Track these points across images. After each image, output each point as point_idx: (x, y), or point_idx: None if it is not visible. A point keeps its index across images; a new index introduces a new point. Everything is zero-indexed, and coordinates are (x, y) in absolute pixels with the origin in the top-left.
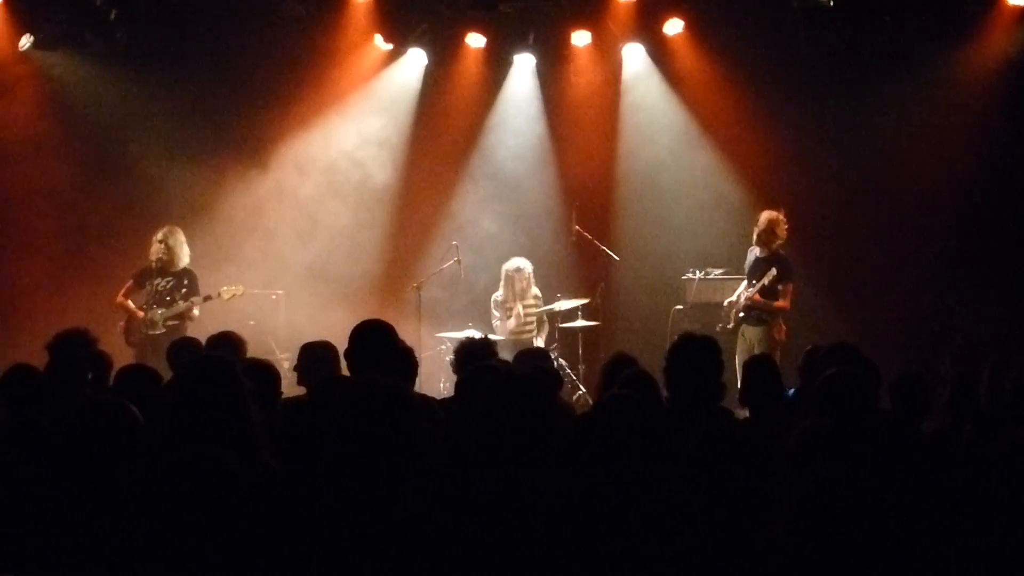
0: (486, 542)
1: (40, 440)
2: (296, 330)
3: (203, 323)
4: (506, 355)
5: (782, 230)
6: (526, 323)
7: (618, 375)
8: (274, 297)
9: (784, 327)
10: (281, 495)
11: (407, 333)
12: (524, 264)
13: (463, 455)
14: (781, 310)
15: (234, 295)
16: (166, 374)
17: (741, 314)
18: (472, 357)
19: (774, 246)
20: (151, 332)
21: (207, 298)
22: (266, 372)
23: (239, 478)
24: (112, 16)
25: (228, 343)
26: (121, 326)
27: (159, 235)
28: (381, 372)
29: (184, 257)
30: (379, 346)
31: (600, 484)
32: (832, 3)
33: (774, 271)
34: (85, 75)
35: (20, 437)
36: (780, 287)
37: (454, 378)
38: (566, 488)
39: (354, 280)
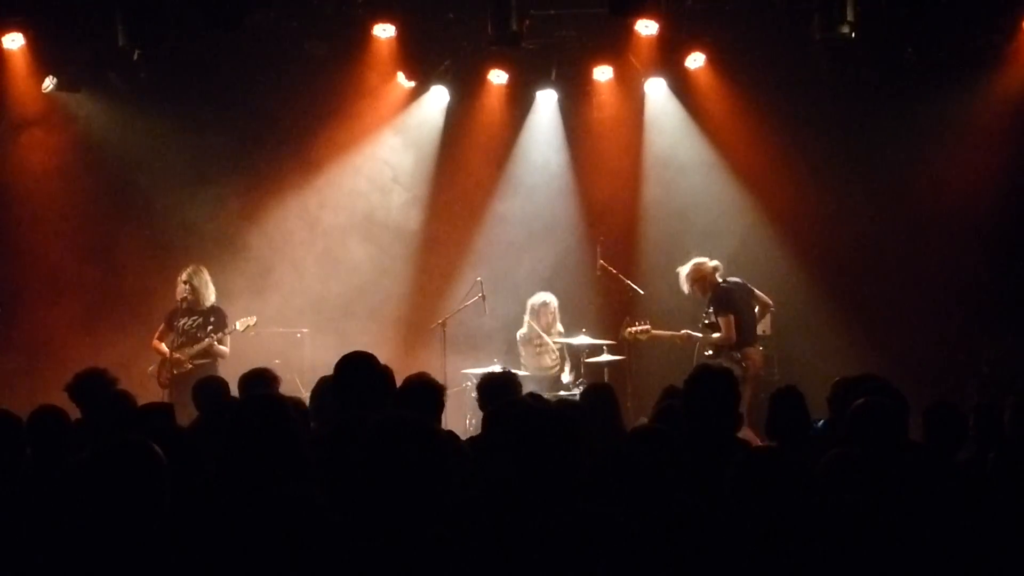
0: None
1: (66, 481)
2: (321, 368)
3: (227, 361)
4: (533, 390)
5: (702, 273)
6: (550, 358)
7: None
8: (299, 335)
9: (753, 360)
10: (331, 532)
11: (432, 369)
12: (550, 298)
13: (490, 491)
14: (721, 343)
15: (248, 326)
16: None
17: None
18: (496, 392)
19: (707, 289)
20: (178, 371)
21: (224, 334)
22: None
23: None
24: (135, 56)
25: (262, 380)
26: (153, 369)
27: (183, 275)
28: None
29: (210, 296)
30: (360, 377)
31: (625, 516)
32: (854, 36)
33: (711, 309)
34: (109, 115)
35: (46, 478)
36: (719, 320)
37: (479, 414)
38: (592, 521)
39: (379, 317)
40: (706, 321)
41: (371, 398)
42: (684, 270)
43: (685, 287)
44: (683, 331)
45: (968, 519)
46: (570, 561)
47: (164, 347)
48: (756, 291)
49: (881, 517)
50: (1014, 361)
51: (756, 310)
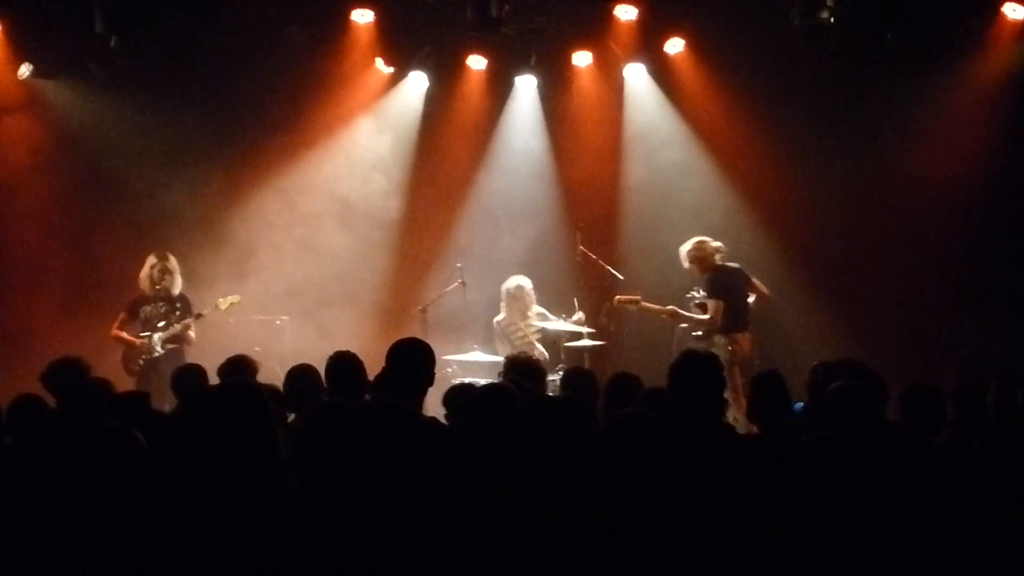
0: (496, 563)
1: (46, 469)
2: (301, 356)
3: (207, 348)
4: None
5: (704, 252)
6: (528, 342)
7: (622, 396)
8: (279, 323)
9: (741, 346)
10: (305, 520)
11: None
12: (524, 282)
13: (468, 477)
14: (700, 324)
15: (232, 304)
16: (169, 398)
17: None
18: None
19: (705, 270)
20: (150, 356)
21: (199, 315)
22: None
23: (254, 508)
24: (112, 43)
25: (243, 367)
26: (119, 358)
27: (153, 261)
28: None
29: (179, 282)
30: (416, 368)
31: (611, 502)
32: (833, 21)
33: (702, 291)
34: (86, 102)
35: (26, 466)
36: (709, 303)
37: None
38: (575, 507)
39: (359, 303)
40: (696, 301)
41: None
42: (686, 247)
43: (685, 263)
44: (669, 307)
45: (948, 502)
46: (553, 546)
47: (126, 335)
48: (754, 280)
49: (857, 500)
50: (994, 345)
51: (752, 299)
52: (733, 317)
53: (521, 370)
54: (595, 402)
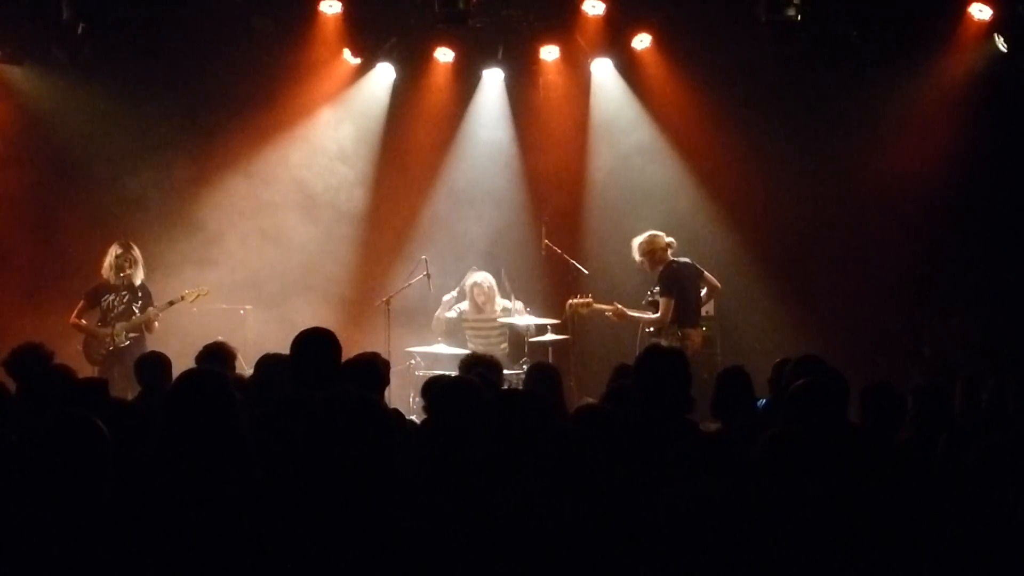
0: (463, 554)
1: (8, 457)
2: (264, 346)
3: (168, 337)
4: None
5: (654, 247)
6: (493, 336)
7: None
8: (242, 312)
9: (692, 341)
10: (271, 508)
11: (377, 347)
12: (481, 277)
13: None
14: (651, 322)
15: (199, 295)
16: (132, 387)
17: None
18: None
19: (655, 264)
20: (114, 346)
21: (171, 303)
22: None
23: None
24: (79, 30)
25: (220, 355)
26: (79, 346)
27: (117, 251)
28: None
29: (141, 273)
30: (322, 357)
31: (569, 495)
32: (799, 18)
33: (657, 288)
34: (51, 89)
35: None
36: (660, 300)
37: None
38: (536, 500)
39: (323, 294)
40: (649, 299)
41: (327, 376)
42: (638, 240)
43: (636, 257)
44: (613, 303)
45: (909, 500)
46: (520, 539)
47: (86, 324)
48: (706, 273)
49: (818, 497)
50: (956, 344)
51: (704, 292)
52: (684, 312)
53: (484, 366)
54: (559, 397)
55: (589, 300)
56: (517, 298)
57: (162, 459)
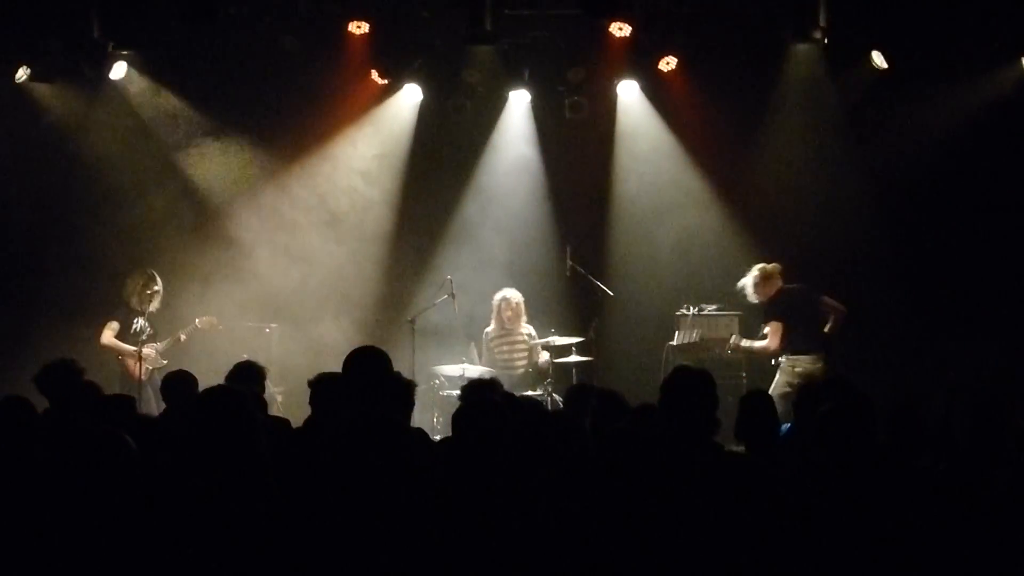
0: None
1: (36, 471)
2: (289, 364)
3: (195, 355)
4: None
5: (768, 273)
6: (516, 356)
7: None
8: (267, 331)
9: (809, 367)
10: (289, 525)
11: (401, 367)
12: (511, 294)
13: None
14: (761, 351)
15: (213, 325)
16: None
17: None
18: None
19: (771, 291)
20: (152, 367)
21: (192, 329)
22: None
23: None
24: (109, 48)
25: (251, 374)
26: (122, 369)
27: (152, 283)
28: (377, 404)
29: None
30: (375, 376)
31: (597, 516)
32: (826, 41)
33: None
34: (81, 106)
35: (15, 468)
36: (768, 326)
37: (448, 412)
38: (560, 521)
39: (348, 314)
40: (765, 330)
41: (379, 393)
42: (749, 279)
43: (755, 296)
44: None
45: (935, 523)
46: (543, 559)
47: (126, 346)
48: (825, 297)
49: (846, 520)
50: (981, 367)
51: (832, 318)
52: (795, 339)
53: (485, 388)
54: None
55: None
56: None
57: (182, 475)
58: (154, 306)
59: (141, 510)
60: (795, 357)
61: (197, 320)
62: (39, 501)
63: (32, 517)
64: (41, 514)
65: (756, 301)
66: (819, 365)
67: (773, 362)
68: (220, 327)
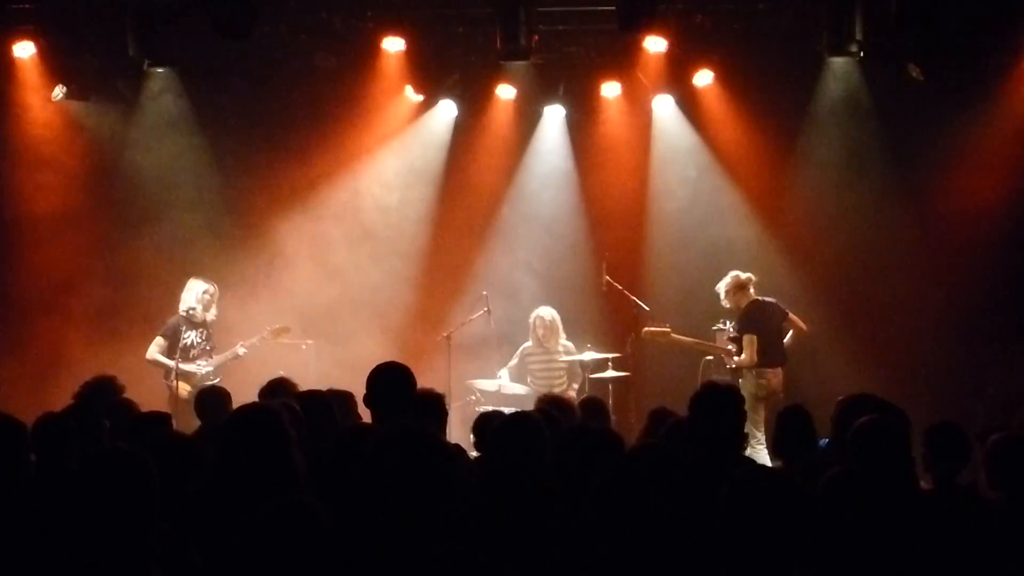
0: None
1: (63, 488)
2: (326, 381)
3: (232, 370)
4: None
5: (740, 283)
6: (555, 373)
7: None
8: (304, 347)
9: (770, 380)
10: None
11: (437, 383)
12: (545, 312)
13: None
14: (745, 364)
15: (281, 331)
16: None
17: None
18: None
19: (742, 301)
20: (204, 384)
21: (279, 331)
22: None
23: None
24: (145, 66)
25: (283, 391)
26: (172, 385)
27: (207, 287)
28: (408, 417)
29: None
30: (398, 390)
31: (628, 534)
32: (862, 54)
33: (735, 324)
34: (117, 124)
35: (46, 485)
36: (744, 338)
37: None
38: (593, 538)
39: (384, 330)
40: (729, 335)
41: (402, 409)
42: (723, 284)
43: (726, 301)
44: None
45: (971, 543)
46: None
47: (168, 361)
48: (791, 315)
49: (884, 537)
50: (1020, 381)
51: (790, 335)
52: (764, 352)
53: (556, 407)
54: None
55: (667, 329)
56: (570, 339)
57: (214, 492)
58: (213, 313)
59: (156, 529)
60: (762, 369)
61: (268, 328)
62: (62, 518)
63: (54, 533)
64: (59, 533)
65: (727, 307)
66: (779, 378)
67: (728, 367)
68: (287, 329)
